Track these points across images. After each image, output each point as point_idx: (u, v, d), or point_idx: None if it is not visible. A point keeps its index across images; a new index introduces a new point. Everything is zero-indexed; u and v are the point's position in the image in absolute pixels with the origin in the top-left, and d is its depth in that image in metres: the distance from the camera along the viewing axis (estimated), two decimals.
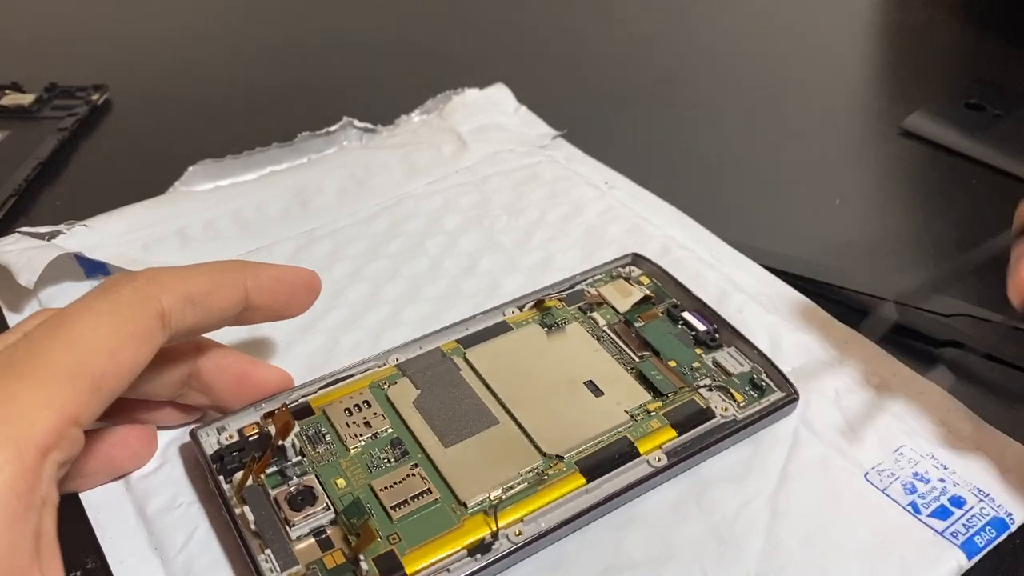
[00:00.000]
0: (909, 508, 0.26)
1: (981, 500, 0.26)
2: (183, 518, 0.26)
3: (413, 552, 0.24)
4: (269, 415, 0.27)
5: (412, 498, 0.25)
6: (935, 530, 0.25)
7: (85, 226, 0.36)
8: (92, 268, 0.34)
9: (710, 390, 0.29)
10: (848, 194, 0.41)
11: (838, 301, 0.33)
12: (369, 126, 0.44)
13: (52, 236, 0.35)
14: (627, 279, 0.33)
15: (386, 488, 0.25)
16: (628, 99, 0.49)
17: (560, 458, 0.26)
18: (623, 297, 0.32)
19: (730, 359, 0.30)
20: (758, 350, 0.30)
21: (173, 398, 0.27)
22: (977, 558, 0.25)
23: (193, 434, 0.27)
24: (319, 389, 0.28)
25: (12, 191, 0.40)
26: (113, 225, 0.36)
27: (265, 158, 0.41)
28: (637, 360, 0.30)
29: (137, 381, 0.23)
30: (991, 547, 0.25)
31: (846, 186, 0.42)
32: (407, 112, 0.45)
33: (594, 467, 0.26)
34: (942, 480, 0.27)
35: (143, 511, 0.26)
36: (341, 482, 0.25)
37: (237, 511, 0.25)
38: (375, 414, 0.27)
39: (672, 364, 0.30)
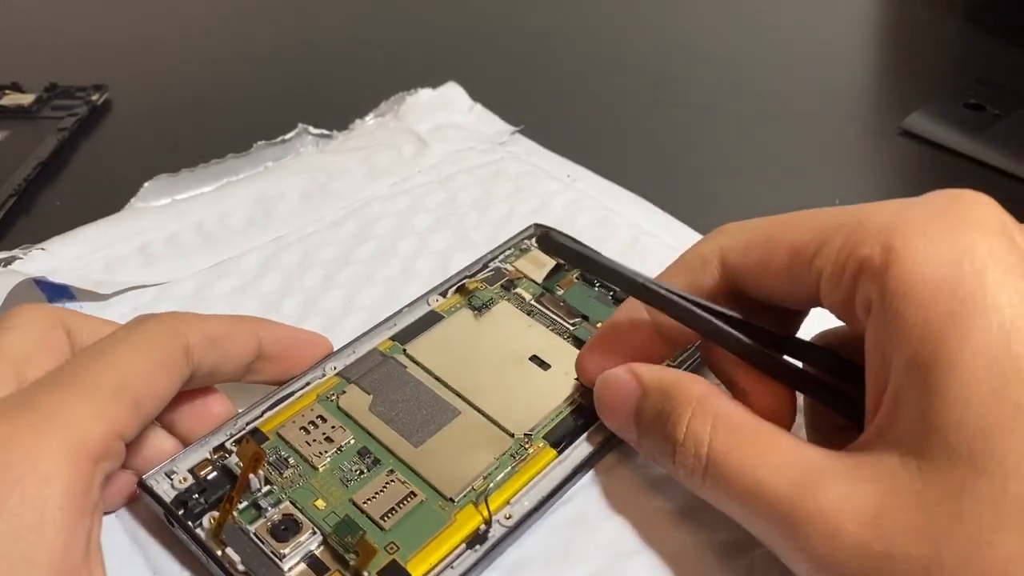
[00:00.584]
0: None
1: None
2: (186, 552, 0.25)
3: (415, 557, 0.23)
4: (219, 448, 0.26)
5: (399, 504, 0.24)
6: None
7: (42, 249, 0.35)
8: (54, 292, 0.33)
9: None
10: (848, 194, 0.40)
11: None
12: (325, 132, 0.43)
13: (8, 262, 0.34)
14: (545, 250, 0.33)
15: (369, 500, 0.24)
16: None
17: (528, 436, 0.27)
18: (537, 268, 0.33)
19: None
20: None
21: None
22: None
23: (143, 484, 0.25)
24: (264, 412, 0.27)
25: (12, 191, 0.39)
26: (70, 247, 0.35)
27: (221, 169, 0.40)
28: (571, 328, 0.30)
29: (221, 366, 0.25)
30: None
31: (846, 186, 0.41)
32: (360, 116, 0.44)
33: (561, 438, 0.27)
34: None
35: (136, 536, 0.25)
36: (320, 503, 0.25)
37: (218, 553, 0.23)
38: (333, 427, 0.26)
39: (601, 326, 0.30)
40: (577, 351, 0.29)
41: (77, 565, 0.20)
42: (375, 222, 0.37)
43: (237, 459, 0.25)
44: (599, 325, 0.30)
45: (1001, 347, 0.17)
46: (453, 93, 0.46)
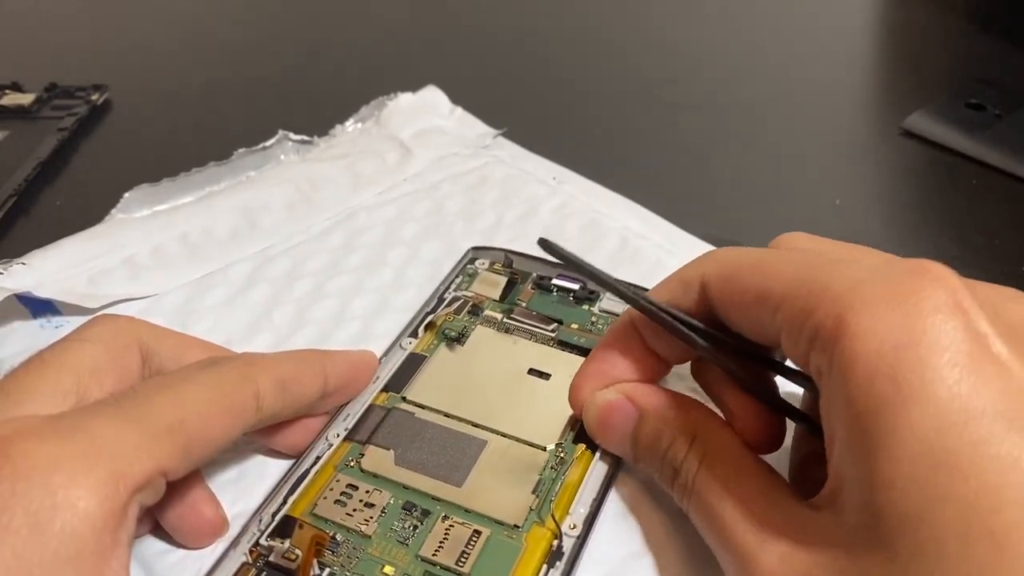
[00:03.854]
0: None
1: None
2: (184, 560, 0.24)
3: None
4: (255, 547, 0.24)
5: (467, 546, 0.23)
6: None
7: (23, 264, 0.33)
8: (38, 307, 0.32)
9: None
10: (848, 194, 0.40)
11: None
12: (305, 138, 0.42)
13: None
14: (491, 271, 0.33)
15: (438, 550, 0.23)
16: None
17: (560, 445, 0.26)
18: (492, 287, 0.32)
19: (612, 302, 0.31)
20: (631, 284, 0.29)
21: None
22: None
23: None
24: (286, 498, 0.25)
25: (12, 191, 0.39)
26: (53, 260, 0.34)
27: (203, 178, 0.39)
28: (552, 333, 0.30)
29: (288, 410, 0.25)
30: None
31: (846, 186, 0.40)
32: (340, 121, 0.43)
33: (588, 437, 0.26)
34: None
35: (141, 556, 0.24)
36: (389, 569, 0.23)
37: None
38: (368, 492, 0.25)
39: (575, 326, 0.30)
40: (567, 354, 0.29)
41: None
42: (362, 232, 0.36)
43: (288, 549, 0.24)
44: (574, 326, 0.30)
45: (932, 439, 0.17)
46: (433, 97, 0.45)
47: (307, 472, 0.26)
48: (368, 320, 0.32)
